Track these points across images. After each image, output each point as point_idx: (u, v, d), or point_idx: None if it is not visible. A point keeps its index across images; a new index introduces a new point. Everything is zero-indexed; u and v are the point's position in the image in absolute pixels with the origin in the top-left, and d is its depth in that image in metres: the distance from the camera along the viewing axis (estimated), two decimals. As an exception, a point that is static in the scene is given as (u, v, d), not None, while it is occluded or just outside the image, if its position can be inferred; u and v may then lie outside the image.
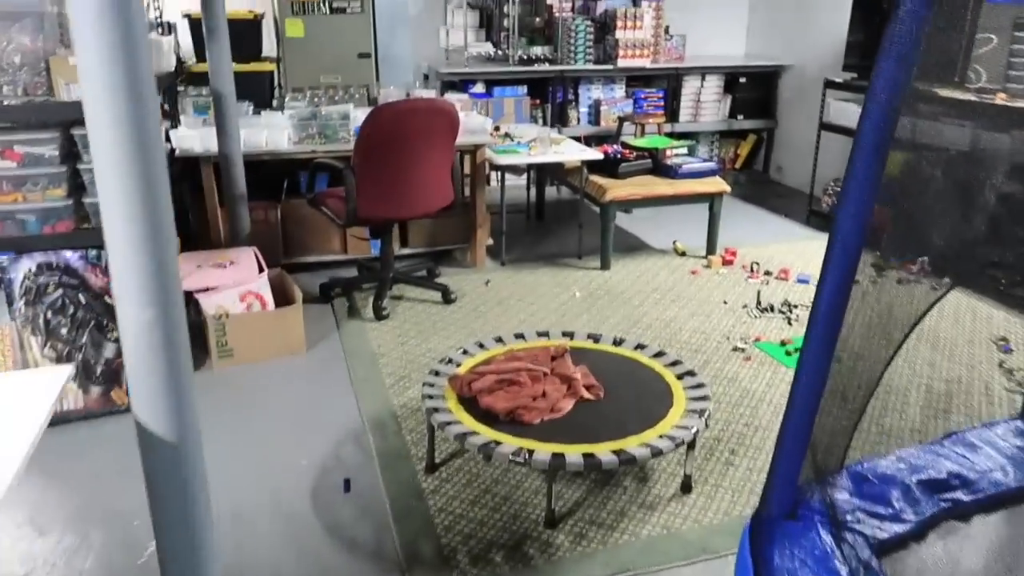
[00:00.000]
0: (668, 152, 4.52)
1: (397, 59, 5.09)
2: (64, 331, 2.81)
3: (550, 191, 5.64)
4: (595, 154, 4.33)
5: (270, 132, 3.89)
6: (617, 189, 4.22)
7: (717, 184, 4.40)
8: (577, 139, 6.00)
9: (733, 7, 6.69)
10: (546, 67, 5.68)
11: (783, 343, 3.43)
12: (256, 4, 4.94)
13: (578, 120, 6.03)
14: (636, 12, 5.67)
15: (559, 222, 5.28)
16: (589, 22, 5.69)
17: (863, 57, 4.95)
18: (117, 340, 2.83)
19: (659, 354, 2.77)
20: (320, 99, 4.67)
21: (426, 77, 5.85)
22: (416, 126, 3.44)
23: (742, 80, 6.31)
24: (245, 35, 4.68)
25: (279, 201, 4.16)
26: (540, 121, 5.94)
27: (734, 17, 6.73)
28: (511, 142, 4.52)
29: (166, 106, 4.03)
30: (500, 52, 5.81)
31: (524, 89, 5.85)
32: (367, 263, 4.20)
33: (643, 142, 4.68)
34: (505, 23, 5.67)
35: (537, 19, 5.94)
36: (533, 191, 5.38)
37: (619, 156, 4.45)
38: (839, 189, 4.58)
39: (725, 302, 3.93)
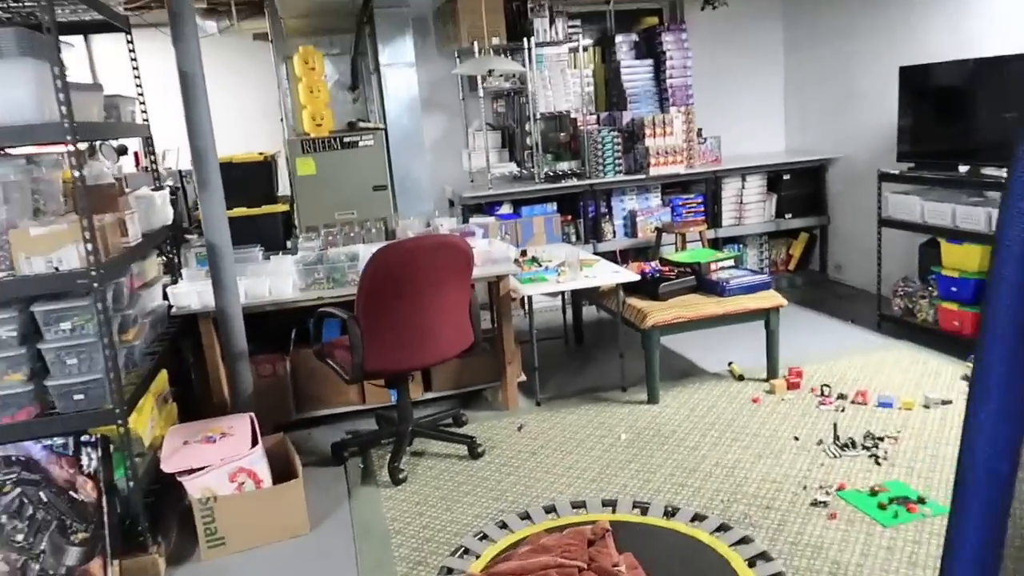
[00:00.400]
0: (713, 266, 4.08)
1: (415, 188, 4.84)
2: (20, 537, 2.42)
3: (590, 309, 5.22)
4: (630, 275, 3.91)
5: (274, 280, 3.59)
6: (658, 313, 3.77)
7: (772, 298, 3.92)
8: (614, 254, 5.65)
9: (767, 103, 6.37)
10: (574, 182, 5.38)
11: (873, 492, 2.85)
12: (269, 143, 4.79)
13: (613, 233, 5.67)
14: (665, 118, 5.38)
15: (600, 346, 4.82)
16: (616, 133, 5.42)
17: (916, 143, 4.51)
18: (82, 543, 2.43)
19: (722, 528, 2.24)
20: (335, 237, 4.40)
21: (451, 203, 5.60)
22: (424, 266, 3.09)
23: (786, 177, 5.91)
24: (256, 177, 4.49)
25: (288, 352, 3.81)
26: (573, 238, 5.59)
27: (770, 113, 6.41)
28: (538, 267, 4.15)
29: (163, 260, 3.78)
30: (525, 171, 5.55)
31: (554, 206, 5.54)
32: (387, 414, 3.78)
33: (684, 256, 4.25)
34: (528, 141, 5.43)
35: (562, 135, 5.69)
36: (570, 312, 4.97)
37: (658, 275, 4.03)
38: (909, 289, 4.02)
39: (796, 438, 3.37)
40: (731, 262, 4.16)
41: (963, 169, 4.19)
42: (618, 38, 5.64)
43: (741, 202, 5.82)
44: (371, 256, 3.02)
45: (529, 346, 3.97)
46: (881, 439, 3.27)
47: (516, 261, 4.30)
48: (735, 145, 6.23)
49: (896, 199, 4.56)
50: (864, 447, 3.22)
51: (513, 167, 5.50)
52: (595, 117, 5.64)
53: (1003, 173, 3.95)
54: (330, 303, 3.44)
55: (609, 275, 3.94)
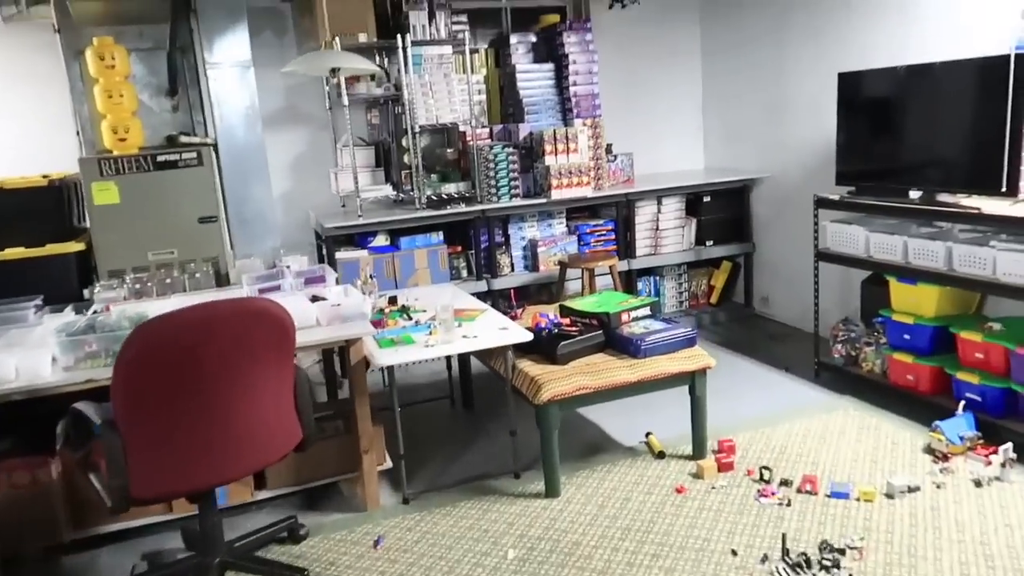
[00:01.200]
0: (625, 316, 3.28)
1: (257, 219, 3.89)
2: None
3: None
4: (521, 333, 3.07)
5: (24, 356, 2.58)
6: (557, 383, 2.93)
7: (697, 358, 3.14)
8: (512, 294, 4.81)
9: (685, 115, 5.68)
10: (462, 208, 4.51)
11: (844, 652, 2.07)
12: (60, 163, 3.74)
13: (511, 267, 4.83)
14: (568, 133, 4.58)
15: (494, 410, 3.96)
16: (511, 149, 4.58)
17: (858, 163, 3.85)
18: None
19: None
20: (147, 284, 3.41)
21: (318, 236, 4.66)
22: (217, 346, 2.16)
23: (707, 200, 5.20)
24: (38, 207, 3.45)
25: (54, 452, 2.79)
26: (464, 272, 4.73)
27: (688, 127, 5.71)
28: (407, 322, 3.26)
29: None
30: (404, 194, 4.65)
31: (439, 236, 4.66)
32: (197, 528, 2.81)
33: (590, 304, 3.44)
34: (405, 159, 4.54)
35: (449, 151, 4.83)
36: (457, 365, 4.10)
37: (557, 330, 3.20)
38: (852, 334, 3.31)
39: (734, 552, 2.58)
40: (647, 310, 3.37)
41: (915, 195, 3.53)
42: (513, 39, 4.82)
43: (657, 228, 5.08)
44: (130, 335, 2.07)
45: (399, 422, 3.06)
46: (842, 551, 2.51)
47: (382, 312, 3.40)
48: (651, 163, 5.51)
49: (836, 229, 3.88)
50: (822, 566, 2.45)
51: (388, 190, 4.60)
52: (488, 131, 4.79)
53: (965, 200, 3.29)
54: (103, 386, 2.46)
55: (494, 334, 3.07)
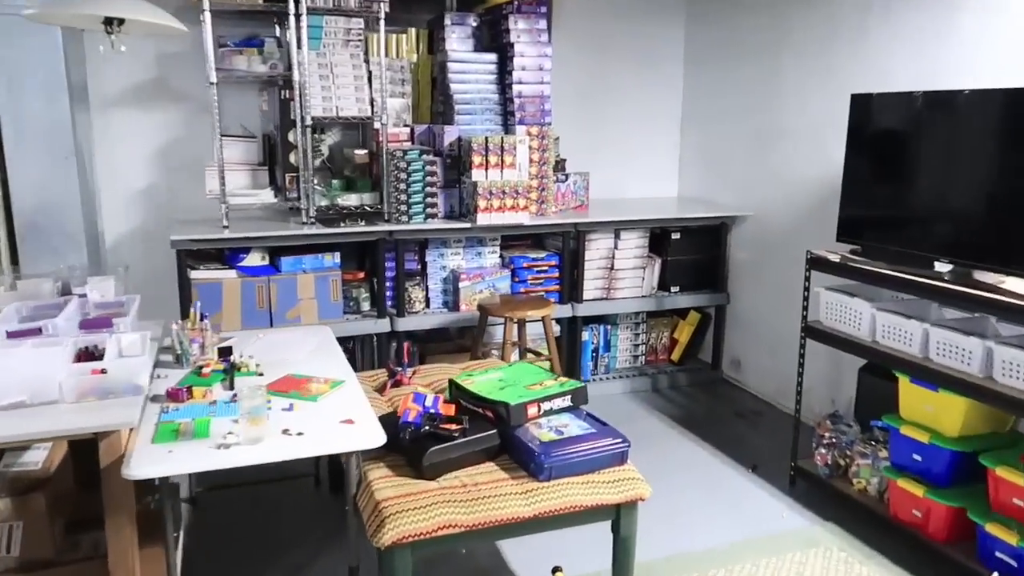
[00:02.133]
0: (532, 409, 2.32)
1: (56, 226, 2.90)
2: None
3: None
4: (369, 433, 2.09)
5: None
6: (410, 516, 1.97)
7: (626, 484, 2.19)
8: (412, 339, 3.85)
9: (659, 132, 4.74)
10: (361, 227, 3.54)
11: None
12: None
13: (426, 302, 3.87)
14: (506, 142, 3.62)
15: (365, 500, 2.98)
16: (432, 157, 3.62)
17: (869, 215, 2.93)
18: None
19: None
20: None
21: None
22: None
23: (676, 236, 4.27)
24: None
25: None
26: (366, 305, 3.76)
27: (662, 147, 4.78)
28: (224, 394, 2.28)
29: None
30: (289, 202, 3.67)
31: (335, 258, 3.69)
32: None
33: (490, 384, 2.47)
34: (292, 158, 3.55)
35: (358, 152, 3.85)
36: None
37: (429, 426, 2.23)
38: (842, 436, 2.28)
39: None
40: (566, 400, 2.41)
41: (943, 267, 2.61)
42: (449, 19, 3.85)
43: (612, 267, 4.13)
44: None
45: (173, 556, 2.09)
46: None
47: (198, 372, 2.42)
48: (611, 186, 4.58)
49: (832, 300, 2.95)
50: None
51: (268, 195, 3.61)
52: (409, 132, 3.82)
53: (1016, 283, 2.37)
54: None
55: (331, 431, 2.10)
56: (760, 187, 4.09)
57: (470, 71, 3.82)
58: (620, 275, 4.16)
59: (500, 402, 2.29)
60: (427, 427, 2.21)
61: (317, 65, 3.44)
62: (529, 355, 3.70)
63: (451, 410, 2.32)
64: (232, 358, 2.50)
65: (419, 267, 3.92)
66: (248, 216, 3.69)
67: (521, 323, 3.65)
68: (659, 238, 4.29)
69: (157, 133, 3.78)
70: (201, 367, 2.46)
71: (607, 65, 4.52)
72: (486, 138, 3.57)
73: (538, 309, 3.47)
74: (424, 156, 3.57)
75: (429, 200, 3.61)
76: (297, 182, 3.52)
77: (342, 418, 2.13)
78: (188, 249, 3.35)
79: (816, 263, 2.99)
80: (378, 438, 2.04)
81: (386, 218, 3.60)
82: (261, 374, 2.44)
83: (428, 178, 3.58)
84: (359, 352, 3.83)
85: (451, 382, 2.50)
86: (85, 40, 3.39)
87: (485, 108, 3.85)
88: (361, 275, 3.80)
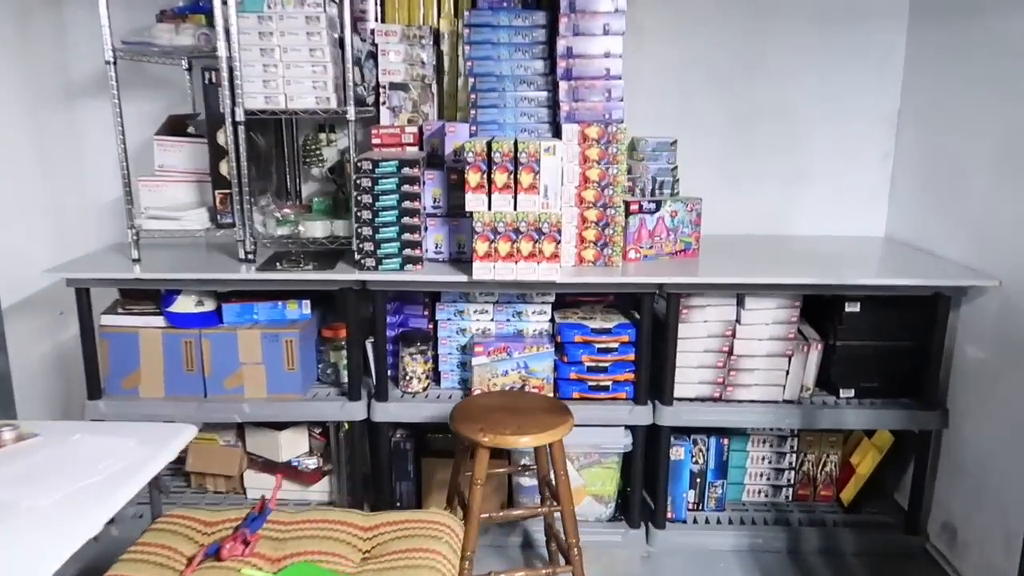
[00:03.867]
0: None
1: None
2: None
3: None
4: None
5: None
6: None
7: None
8: (413, 430, 2.64)
9: (855, 133, 2.99)
10: (309, 275, 2.41)
11: None
12: None
13: (435, 377, 2.65)
14: (523, 151, 2.24)
15: None
16: (412, 170, 2.35)
17: None
18: None
19: None
20: None
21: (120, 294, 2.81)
22: None
23: (852, 309, 2.56)
24: None
25: None
26: (342, 373, 2.64)
27: (861, 157, 3.02)
28: None
29: None
30: (232, 227, 2.64)
31: (305, 308, 2.63)
32: None
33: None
34: (221, 168, 2.51)
35: (328, 166, 2.71)
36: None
37: None
38: None
39: None
40: None
41: None
42: (483, -39, 2.55)
43: (731, 352, 2.56)
44: None
45: None
46: None
47: None
48: (764, 217, 2.99)
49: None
50: None
51: (200, 218, 2.59)
52: (415, 134, 2.60)
53: None
54: None
55: None
56: (1014, 238, 2.25)
57: (500, 38, 2.48)
58: (744, 364, 2.57)
59: None
60: None
61: (258, 35, 2.36)
62: (548, 504, 2.30)
63: None
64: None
65: (429, 325, 2.71)
66: (193, 243, 2.75)
67: (547, 453, 2.28)
68: (822, 308, 2.62)
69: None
70: None
71: (762, 29, 2.89)
72: (488, 143, 2.23)
73: (542, 431, 2.07)
74: (405, 170, 2.33)
75: (407, 238, 2.36)
76: (230, 202, 2.48)
77: None
78: (89, 287, 2.48)
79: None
80: None
81: (363, 261, 2.42)
82: None
83: (406, 204, 2.34)
84: (336, 448, 2.74)
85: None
86: None
87: (522, 95, 2.49)
88: (343, 332, 2.68)
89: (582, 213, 2.41)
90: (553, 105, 2.48)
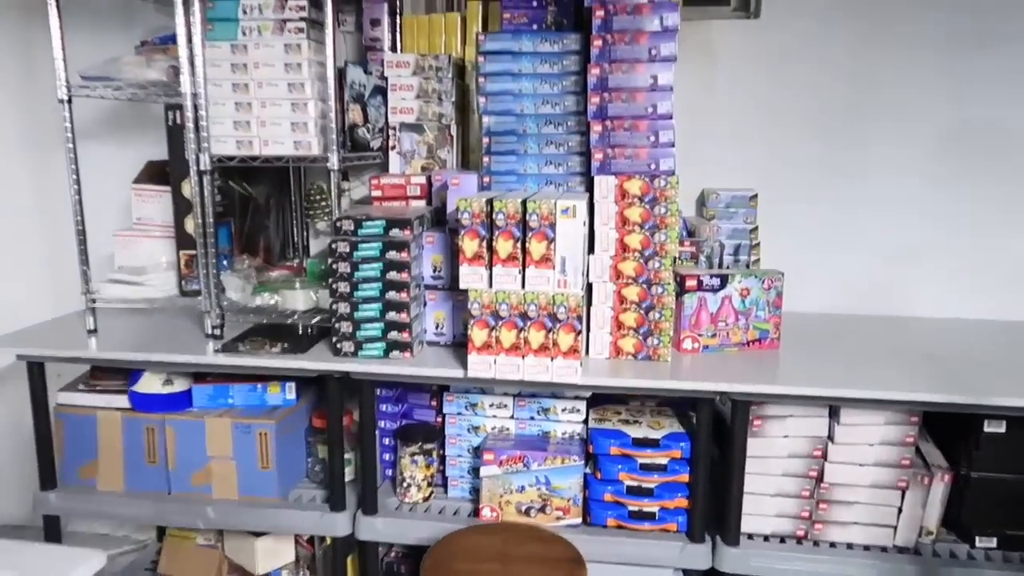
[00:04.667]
0: None
1: None
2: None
3: None
4: None
5: None
6: None
7: None
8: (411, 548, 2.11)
9: (999, 177, 2.31)
10: (276, 361, 1.96)
11: None
12: None
13: (441, 483, 2.14)
14: (532, 211, 1.72)
15: None
16: (402, 232, 1.87)
17: None
18: None
19: None
20: None
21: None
22: None
23: (992, 430, 1.87)
24: None
25: None
26: (345, 470, 2.17)
27: (1002, 210, 2.32)
28: None
29: None
30: (198, 295, 2.23)
31: (290, 392, 2.19)
32: None
33: None
34: (188, 225, 2.11)
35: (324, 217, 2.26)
36: None
37: None
38: None
39: None
40: None
41: None
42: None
43: (820, 478, 1.92)
44: None
45: None
46: None
47: None
48: (869, 293, 2.32)
49: None
50: None
51: (165, 281, 2.19)
52: (423, 185, 2.13)
53: None
54: None
55: None
56: None
57: (522, 68, 1.97)
58: (840, 495, 1.92)
59: None
60: None
61: (229, 67, 1.96)
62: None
63: None
64: None
65: (437, 419, 2.21)
66: (165, 307, 2.36)
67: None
68: (951, 425, 1.94)
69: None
70: None
71: (879, 55, 2.26)
72: (489, 203, 1.72)
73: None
74: (394, 232, 1.85)
75: (393, 318, 1.87)
76: (194, 264, 2.07)
77: None
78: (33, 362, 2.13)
79: None
80: None
81: (340, 347, 1.95)
82: None
83: (391, 275, 1.85)
84: (322, 565, 2.27)
85: None
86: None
87: (548, 139, 1.97)
88: (353, 416, 2.21)
89: (619, 291, 1.86)
90: (588, 151, 1.95)
